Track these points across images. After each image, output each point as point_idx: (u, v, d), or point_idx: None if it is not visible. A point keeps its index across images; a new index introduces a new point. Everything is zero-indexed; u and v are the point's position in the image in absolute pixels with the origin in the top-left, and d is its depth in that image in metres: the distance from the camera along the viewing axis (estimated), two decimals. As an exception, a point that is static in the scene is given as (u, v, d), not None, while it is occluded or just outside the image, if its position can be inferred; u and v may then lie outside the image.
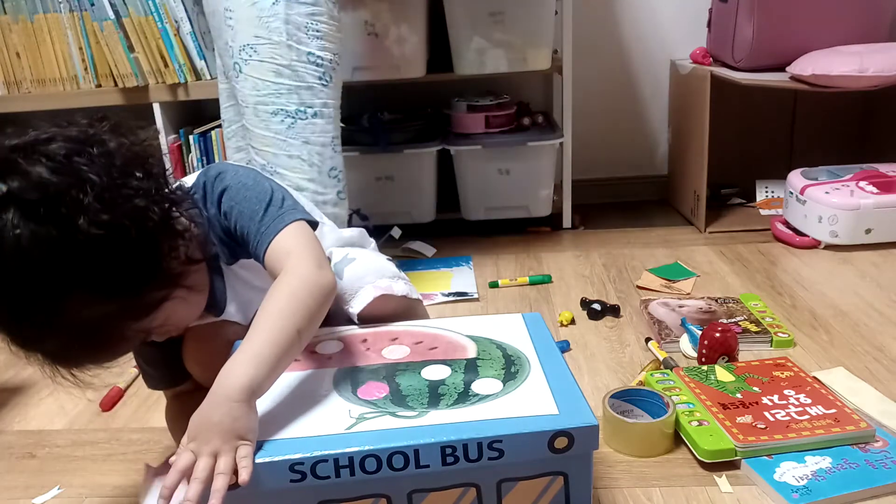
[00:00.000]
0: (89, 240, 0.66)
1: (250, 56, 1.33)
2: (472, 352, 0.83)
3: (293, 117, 1.34)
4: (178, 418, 0.97)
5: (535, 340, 0.85)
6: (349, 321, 0.93)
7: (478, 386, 0.76)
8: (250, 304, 0.90)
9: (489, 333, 0.87)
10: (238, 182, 0.84)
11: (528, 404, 0.72)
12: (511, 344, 0.84)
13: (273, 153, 1.36)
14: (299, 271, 0.75)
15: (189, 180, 0.87)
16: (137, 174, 0.72)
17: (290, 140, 1.35)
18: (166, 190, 0.76)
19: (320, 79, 1.35)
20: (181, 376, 0.97)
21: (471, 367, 0.80)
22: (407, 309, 0.94)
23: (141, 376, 1.05)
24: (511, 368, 0.79)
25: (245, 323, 0.92)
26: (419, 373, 0.79)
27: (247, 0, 1.30)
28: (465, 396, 0.74)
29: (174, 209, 0.75)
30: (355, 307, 0.90)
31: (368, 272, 0.92)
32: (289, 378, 0.79)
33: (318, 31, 1.33)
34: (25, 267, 0.65)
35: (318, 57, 1.34)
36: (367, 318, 0.91)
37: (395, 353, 0.84)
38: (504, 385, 0.76)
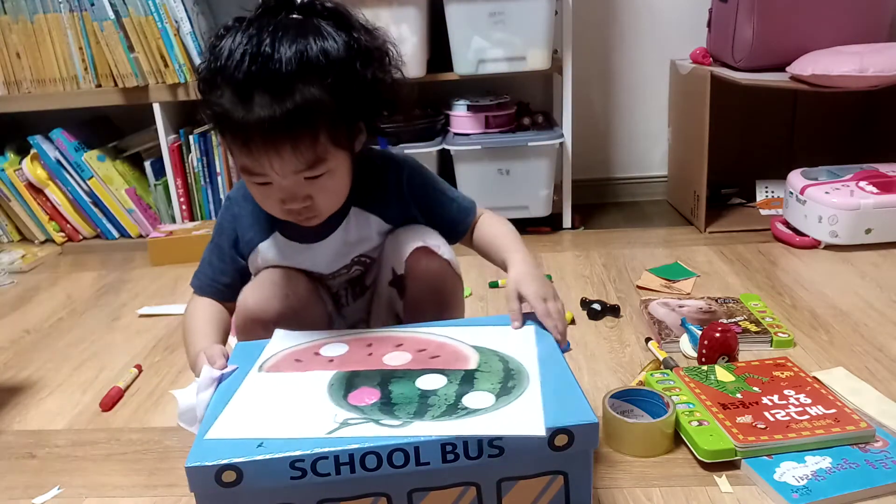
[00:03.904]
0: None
1: None
2: (473, 363, 0.82)
3: None
4: (209, 320, 0.97)
5: (540, 349, 0.84)
6: (396, 317, 1.02)
7: (469, 399, 0.73)
8: (354, 247, 0.98)
9: (496, 344, 0.85)
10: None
11: (513, 422, 0.69)
12: (515, 357, 0.82)
13: None
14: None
15: None
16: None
17: None
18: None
19: None
20: (231, 296, 0.99)
21: (467, 379, 0.78)
22: (447, 278, 0.99)
23: (199, 272, 1.01)
24: (508, 383, 0.76)
25: (337, 261, 0.98)
26: (414, 381, 0.78)
27: None
28: (453, 409, 0.72)
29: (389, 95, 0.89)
30: (400, 260, 0.96)
31: (417, 233, 0.98)
32: (288, 379, 0.79)
33: None
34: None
35: None
36: (412, 276, 0.96)
37: (396, 359, 0.83)
38: (497, 400, 0.73)
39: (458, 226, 1.03)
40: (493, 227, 1.02)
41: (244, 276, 1.00)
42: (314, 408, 0.74)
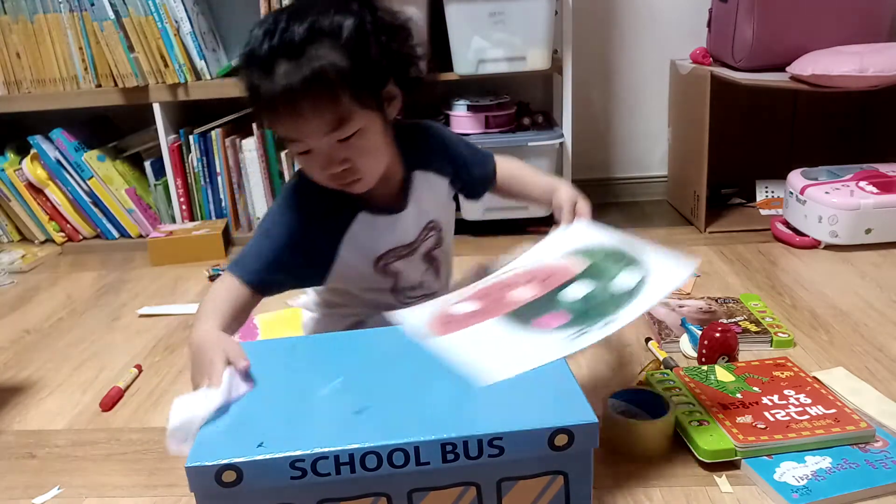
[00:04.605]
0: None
1: None
2: (580, 265, 0.89)
3: None
4: (229, 300, 0.92)
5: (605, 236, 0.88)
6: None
7: (621, 281, 0.85)
8: (426, 213, 1.04)
9: (577, 244, 0.95)
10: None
11: (672, 273, 0.86)
12: (599, 243, 0.93)
13: None
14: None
15: None
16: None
17: None
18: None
19: None
20: (266, 290, 0.96)
21: (598, 274, 0.87)
22: None
23: (243, 259, 0.96)
24: (626, 260, 0.88)
25: (416, 228, 1.03)
26: (567, 296, 0.86)
27: None
28: (624, 296, 0.83)
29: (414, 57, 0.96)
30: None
31: None
32: (468, 334, 0.84)
33: None
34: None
35: None
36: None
37: (528, 292, 0.89)
38: (638, 272, 0.85)
39: (488, 174, 1.14)
40: (512, 167, 1.16)
41: (290, 276, 0.99)
42: (530, 342, 0.80)
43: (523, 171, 1.16)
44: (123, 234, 2.12)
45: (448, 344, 0.83)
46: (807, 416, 0.98)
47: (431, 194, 1.05)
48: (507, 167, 1.15)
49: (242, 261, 0.96)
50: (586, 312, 0.84)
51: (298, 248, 0.97)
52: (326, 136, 0.87)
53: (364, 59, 0.87)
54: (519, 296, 0.89)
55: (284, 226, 0.97)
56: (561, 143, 1.91)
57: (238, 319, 0.93)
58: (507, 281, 0.95)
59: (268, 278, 0.96)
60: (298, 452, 0.66)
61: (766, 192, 2.06)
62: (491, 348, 0.81)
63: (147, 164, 2.09)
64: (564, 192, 1.08)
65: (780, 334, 1.25)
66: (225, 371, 0.76)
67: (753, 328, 1.27)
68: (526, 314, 0.85)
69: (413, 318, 0.90)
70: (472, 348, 0.81)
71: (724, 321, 1.28)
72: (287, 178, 2.03)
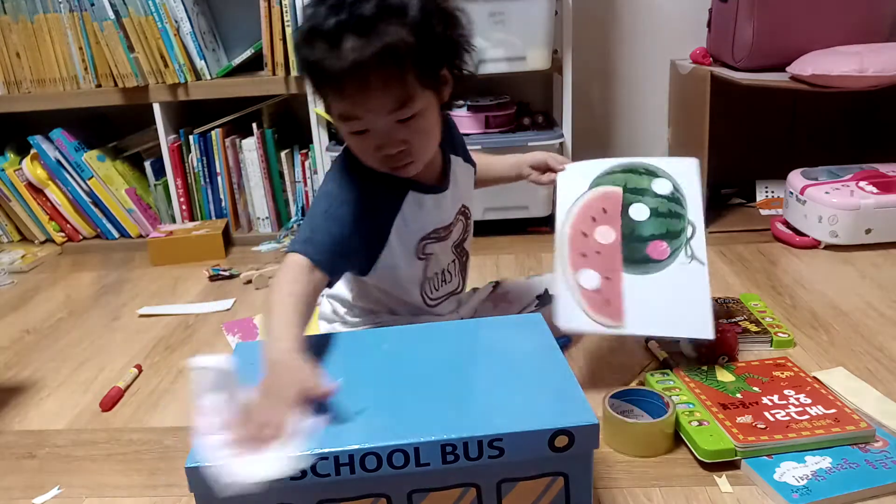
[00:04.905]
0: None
1: None
2: (617, 188, 1.15)
3: None
4: (308, 308, 0.86)
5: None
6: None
7: (658, 187, 1.14)
8: (461, 197, 1.08)
9: (588, 179, 1.17)
10: None
11: (685, 176, 1.15)
12: (604, 171, 1.18)
13: None
14: None
15: None
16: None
17: None
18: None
19: None
20: (338, 274, 0.95)
21: (637, 189, 1.14)
22: None
23: (312, 238, 0.91)
24: (639, 170, 1.17)
25: (453, 210, 1.06)
26: (639, 219, 1.12)
27: None
28: (674, 200, 1.14)
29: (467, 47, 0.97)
30: None
31: None
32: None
33: None
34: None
35: None
36: None
37: (605, 234, 1.11)
38: (659, 178, 1.15)
39: (474, 165, 1.16)
40: (478, 157, 1.19)
41: (348, 262, 0.98)
42: (674, 277, 1.10)
43: (488, 157, 1.22)
44: (123, 234, 2.12)
45: (632, 319, 1.08)
46: (807, 416, 0.98)
47: (464, 178, 1.09)
48: (477, 157, 1.19)
49: (313, 239, 0.91)
50: (667, 232, 1.12)
51: (361, 229, 0.95)
52: (389, 115, 0.88)
53: (429, 40, 0.88)
54: (605, 238, 1.10)
55: (348, 204, 0.94)
56: (561, 143, 1.90)
57: (311, 310, 0.86)
58: (579, 230, 1.12)
59: (338, 262, 0.92)
60: (298, 453, 0.66)
61: (766, 192, 2.06)
62: (664, 300, 1.08)
63: (147, 164, 2.09)
64: (535, 154, 1.21)
65: (780, 334, 1.25)
66: (294, 422, 0.68)
67: (753, 328, 1.27)
68: (639, 254, 1.11)
69: (569, 311, 1.08)
70: (649, 310, 1.08)
71: (724, 321, 1.28)
72: (287, 177, 2.03)
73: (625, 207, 1.14)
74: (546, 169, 1.21)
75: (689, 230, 1.14)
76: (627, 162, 1.19)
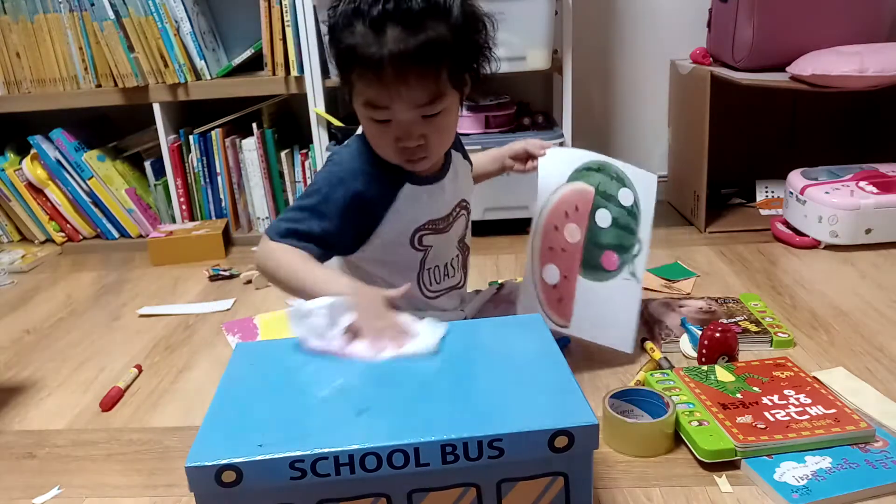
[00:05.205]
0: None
1: None
2: (589, 187, 1.17)
3: None
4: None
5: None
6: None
7: (623, 198, 1.20)
8: (460, 191, 1.10)
9: (566, 171, 1.18)
10: None
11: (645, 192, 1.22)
12: (582, 165, 1.19)
13: None
14: None
15: None
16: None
17: None
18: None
19: None
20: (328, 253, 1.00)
21: (606, 195, 1.18)
22: None
23: (295, 225, 0.98)
24: (609, 173, 1.20)
25: (451, 203, 1.07)
26: (602, 225, 1.17)
27: None
28: (632, 213, 1.20)
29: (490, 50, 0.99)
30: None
31: None
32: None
33: None
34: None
35: None
36: None
37: (574, 232, 1.14)
38: (625, 186, 1.19)
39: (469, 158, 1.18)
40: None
41: (339, 245, 1.02)
42: (618, 291, 1.19)
43: (472, 156, 1.22)
44: (123, 234, 2.12)
45: (576, 321, 1.13)
46: (807, 416, 0.98)
47: (463, 173, 1.12)
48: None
49: (298, 231, 0.96)
50: (620, 245, 1.18)
51: (351, 219, 0.99)
52: (416, 109, 0.91)
53: (465, 41, 0.92)
54: (572, 236, 1.13)
55: (343, 188, 0.98)
56: (561, 143, 1.90)
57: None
58: (552, 223, 1.13)
59: (327, 252, 0.99)
60: (298, 453, 0.66)
61: (766, 192, 2.06)
62: (601, 309, 1.15)
63: (147, 164, 2.09)
64: (513, 144, 1.23)
65: (780, 334, 1.25)
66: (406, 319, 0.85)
67: (753, 328, 1.27)
68: (595, 260, 1.16)
69: (529, 303, 1.09)
70: (588, 315, 1.14)
71: (724, 321, 1.28)
72: (287, 177, 2.03)
73: (593, 209, 1.17)
74: (527, 157, 1.23)
75: (636, 247, 1.21)
76: (603, 160, 1.22)
